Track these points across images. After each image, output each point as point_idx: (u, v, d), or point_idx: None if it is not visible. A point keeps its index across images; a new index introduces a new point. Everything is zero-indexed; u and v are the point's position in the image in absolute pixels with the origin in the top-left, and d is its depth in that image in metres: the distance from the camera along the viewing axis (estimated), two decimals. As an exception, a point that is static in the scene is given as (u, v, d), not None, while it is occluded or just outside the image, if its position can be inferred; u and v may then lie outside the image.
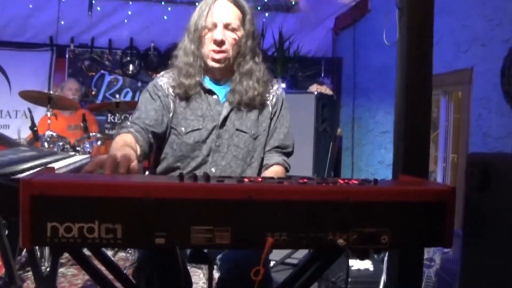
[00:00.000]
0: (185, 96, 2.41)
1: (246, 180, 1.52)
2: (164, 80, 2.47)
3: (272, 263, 5.02)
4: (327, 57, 7.93)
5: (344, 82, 7.65)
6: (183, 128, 2.40)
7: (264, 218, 1.40)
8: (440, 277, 3.44)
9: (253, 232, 1.40)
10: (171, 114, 2.42)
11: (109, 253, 4.99)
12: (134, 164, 1.87)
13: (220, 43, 2.36)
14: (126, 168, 1.80)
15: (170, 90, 2.44)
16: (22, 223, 1.32)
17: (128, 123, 2.36)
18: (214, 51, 2.37)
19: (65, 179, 1.45)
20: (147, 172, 3.83)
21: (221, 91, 2.47)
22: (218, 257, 2.24)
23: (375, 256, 4.17)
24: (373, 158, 6.48)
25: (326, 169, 5.28)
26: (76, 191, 1.34)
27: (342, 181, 1.56)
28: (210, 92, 2.45)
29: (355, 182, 1.56)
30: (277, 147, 2.53)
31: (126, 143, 2.13)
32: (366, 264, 4.12)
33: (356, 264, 4.11)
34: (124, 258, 4.99)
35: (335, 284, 4.03)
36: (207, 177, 1.47)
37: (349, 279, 3.99)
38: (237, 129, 2.43)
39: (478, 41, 4.32)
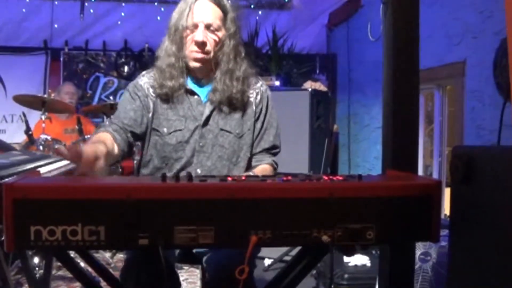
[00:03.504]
0: (167, 98, 2.40)
1: (229, 179, 1.52)
2: (144, 79, 2.46)
3: (270, 261, 5.02)
4: (321, 53, 7.93)
5: (339, 78, 7.65)
6: (165, 129, 2.38)
7: (248, 217, 1.40)
8: (436, 271, 3.44)
9: (237, 231, 1.40)
10: (150, 114, 2.40)
11: (107, 254, 4.99)
12: (101, 163, 1.86)
13: (202, 44, 2.34)
14: (80, 158, 1.77)
15: (151, 90, 2.42)
16: (6, 227, 1.33)
17: (107, 122, 2.35)
18: (195, 51, 2.36)
19: (48, 182, 1.45)
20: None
21: (202, 91, 2.45)
22: (204, 259, 2.23)
23: (373, 251, 4.16)
24: (369, 154, 6.48)
25: (322, 166, 5.27)
26: (58, 194, 1.34)
27: (326, 178, 1.56)
28: (192, 93, 2.43)
29: (340, 178, 1.56)
30: (267, 149, 2.52)
31: (100, 140, 2.12)
32: (363, 260, 4.12)
33: (353, 260, 4.11)
34: (123, 260, 4.98)
35: (333, 280, 4.04)
36: (189, 177, 1.47)
37: (346, 275, 3.99)
38: (221, 129, 2.41)
39: (470, 34, 4.32)
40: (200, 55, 2.37)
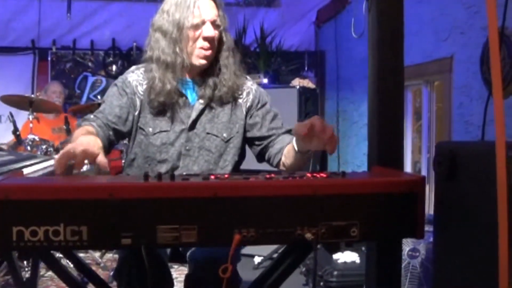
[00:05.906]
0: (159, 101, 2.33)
1: (212, 177, 1.51)
2: (133, 76, 2.41)
3: (260, 259, 5.02)
4: (310, 50, 7.92)
5: (327, 75, 7.65)
6: (150, 129, 2.34)
7: (231, 215, 1.39)
8: (425, 267, 3.45)
9: (220, 229, 1.39)
10: (137, 112, 2.36)
11: (97, 254, 4.97)
12: (101, 158, 1.82)
13: (212, 40, 2.31)
14: (86, 151, 1.76)
15: (139, 88, 2.37)
16: (-13, 228, 1.32)
17: (91, 116, 2.32)
18: (203, 48, 2.31)
19: (29, 182, 1.44)
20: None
21: (191, 92, 2.40)
22: (187, 254, 2.21)
23: (363, 248, 4.17)
24: (358, 151, 6.48)
25: (310, 163, 5.27)
26: (40, 195, 1.33)
27: (309, 175, 1.56)
28: (180, 94, 2.37)
29: (323, 175, 1.56)
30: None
31: (89, 133, 2.11)
32: (352, 257, 4.12)
33: (342, 257, 4.11)
34: (112, 259, 4.97)
35: (322, 278, 4.04)
36: (172, 175, 1.46)
37: (336, 272, 3.99)
38: (207, 133, 2.36)
39: (458, 29, 4.33)
40: (208, 52, 2.33)
